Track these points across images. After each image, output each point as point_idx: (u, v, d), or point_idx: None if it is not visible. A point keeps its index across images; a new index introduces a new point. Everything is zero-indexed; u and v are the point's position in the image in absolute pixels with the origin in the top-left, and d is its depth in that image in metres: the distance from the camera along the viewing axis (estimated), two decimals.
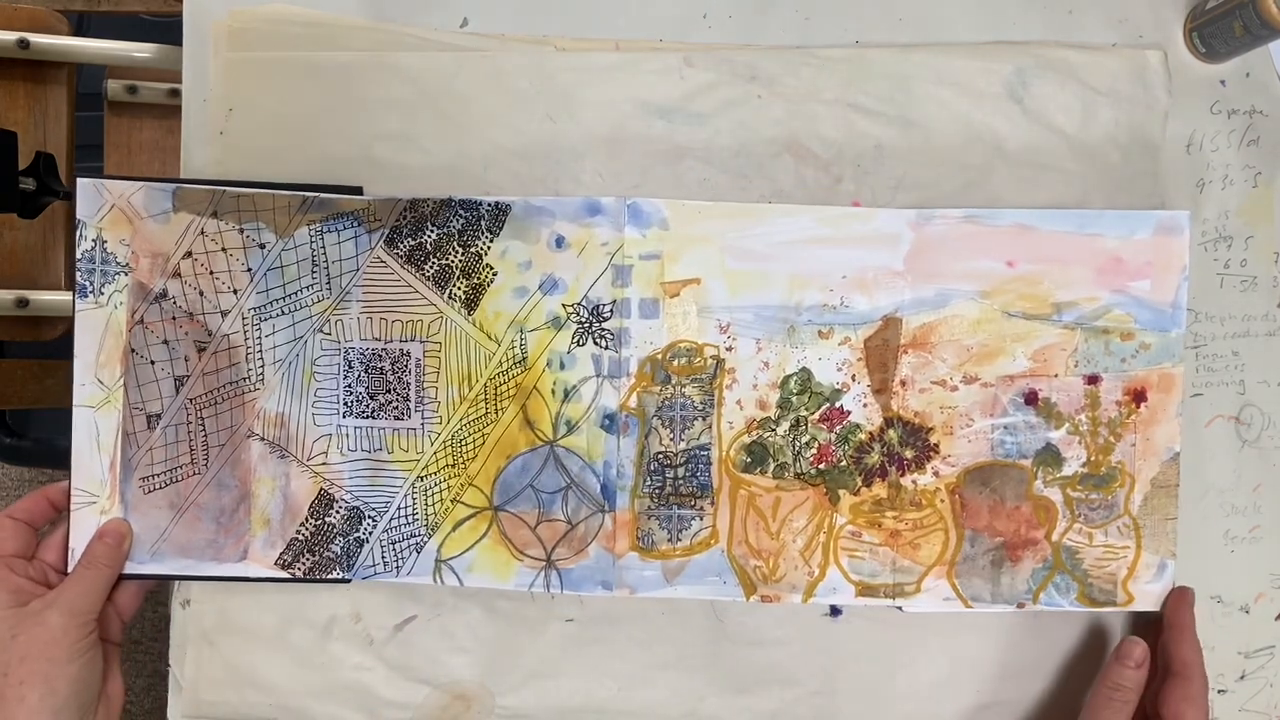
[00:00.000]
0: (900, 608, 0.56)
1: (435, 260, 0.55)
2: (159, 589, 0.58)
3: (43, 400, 0.80)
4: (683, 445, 0.56)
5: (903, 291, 0.56)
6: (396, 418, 0.56)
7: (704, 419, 0.56)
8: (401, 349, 0.56)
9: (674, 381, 0.56)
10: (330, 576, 0.56)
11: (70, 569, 0.54)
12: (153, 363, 0.55)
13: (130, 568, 0.55)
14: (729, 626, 0.58)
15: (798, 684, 0.58)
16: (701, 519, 0.56)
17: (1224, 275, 0.59)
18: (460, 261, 0.55)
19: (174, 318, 0.55)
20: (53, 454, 1.01)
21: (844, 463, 0.56)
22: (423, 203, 0.55)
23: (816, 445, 0.56)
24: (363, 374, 0.56)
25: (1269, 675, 0.60)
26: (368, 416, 0.56)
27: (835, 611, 0.57)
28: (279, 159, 0.56)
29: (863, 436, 0.56)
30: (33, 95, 0.74)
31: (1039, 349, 0.56)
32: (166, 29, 0.90)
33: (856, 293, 0.56)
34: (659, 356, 0.56)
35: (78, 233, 0.54)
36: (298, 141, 0.56)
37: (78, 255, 0.54)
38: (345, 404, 0.56)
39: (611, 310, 0.55)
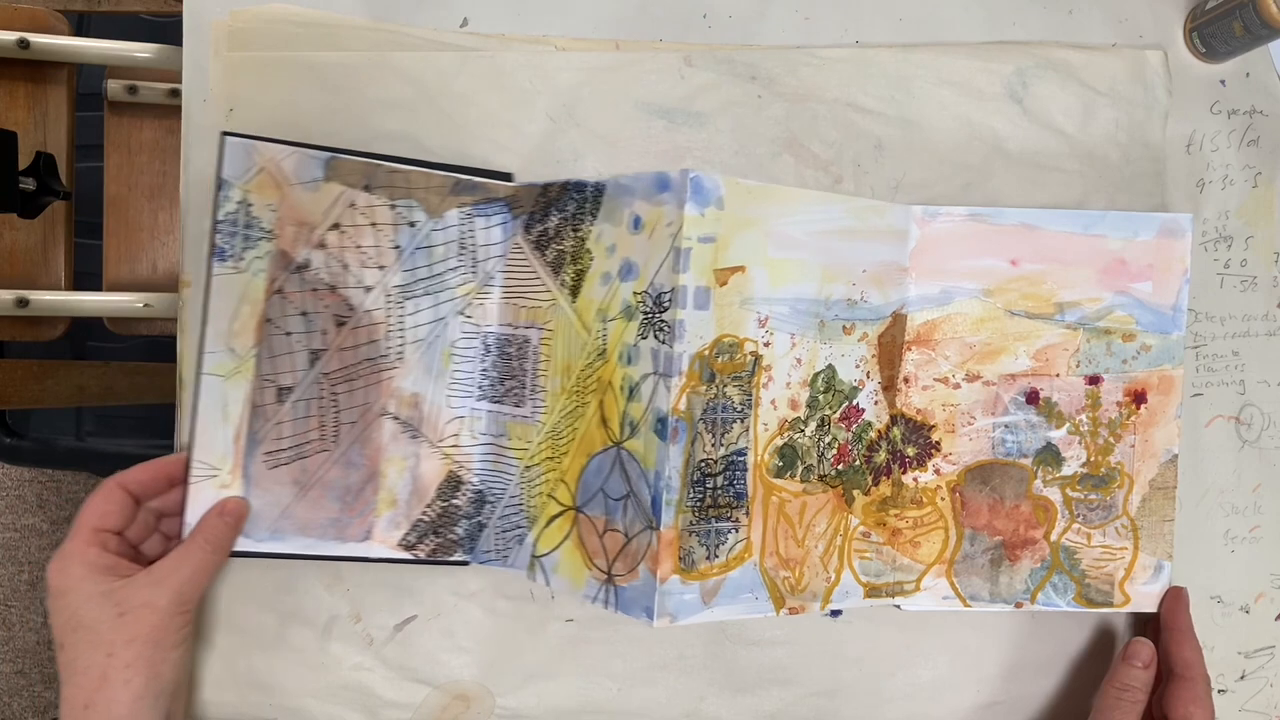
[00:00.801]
0: (899, 605, 0.56)
1: (554, 246, 0.54)
2: None
3: (43, 400, 0.80)
4: (722, 451, 0.52)
5: (908, 287, 0.55)
6: (515, 405, 0.55)
7: (741, 421, 0.52)
8: (524, 335, 0.55)
9: (717, 380, 0.51)
10: (452, 559, 0.55)
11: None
12: (288, 334, 0.52)
13: (249, 545, 0.52)
14: (729, 626, 0.57)
15: (798, 684, 0.58)
16: (737, 531, 0.52)
17: (1224, 275, 0.59)
18: (570, 246, 0.54)
19: (315, 290, 0.53)
20: (52, 454, 1.01)
21: (858, 462, 0.55)
22: (551, 187, 0.54)
23: (837, 445, 0.54)
24: (497, 359, 0.55)
25: (1269, 675, 0.60)
26: (497, 401, 0.55)
27: (835, 611, 0.57)
28: None
29: (873, 434, 0.55)
30: (33, 95, 0.74)
31: (1041, 348, 0.56)
32: (166, 29, 0.90)
33: (873, 288, 0.55)
34: (706, 352, 0.51)
35: (221, 193, 0.51)
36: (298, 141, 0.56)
37: (219, 216, 0.51)
38: (480, 388, 0.55)
39: (670, 300, 0.50)
